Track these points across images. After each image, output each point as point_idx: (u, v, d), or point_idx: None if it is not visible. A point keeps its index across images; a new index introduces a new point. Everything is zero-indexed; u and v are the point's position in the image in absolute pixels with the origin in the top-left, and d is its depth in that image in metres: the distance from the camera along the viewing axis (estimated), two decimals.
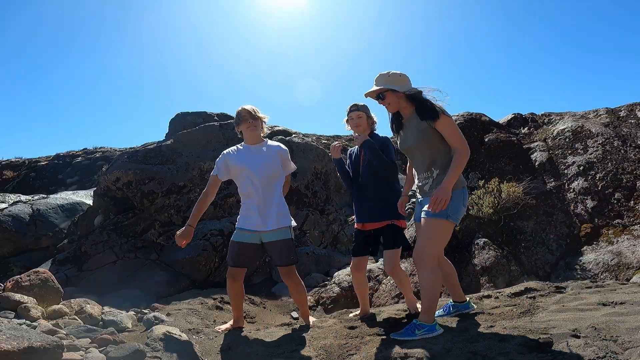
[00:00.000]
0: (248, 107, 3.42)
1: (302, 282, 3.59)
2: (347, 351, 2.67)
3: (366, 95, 2.88)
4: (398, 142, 2.99)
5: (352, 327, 3.26)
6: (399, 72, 2.82)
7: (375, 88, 2.81)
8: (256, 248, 3.43)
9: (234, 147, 3.53)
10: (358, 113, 3.47)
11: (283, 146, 3.57)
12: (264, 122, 3.48)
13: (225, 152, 3.52)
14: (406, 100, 2.79)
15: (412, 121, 2.80)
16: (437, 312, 3.10)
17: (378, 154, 3.30)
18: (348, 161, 3.71)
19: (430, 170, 2.76)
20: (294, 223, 3.46)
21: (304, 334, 3.20)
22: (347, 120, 3.54)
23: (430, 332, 2.64)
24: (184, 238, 3.38)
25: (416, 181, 2.95)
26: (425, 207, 2.72)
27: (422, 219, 2.74)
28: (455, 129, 2.69)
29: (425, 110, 2.70)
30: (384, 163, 3.30)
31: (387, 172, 3.36)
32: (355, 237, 3.60)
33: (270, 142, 3.56)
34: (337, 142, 3.61)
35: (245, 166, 3.38)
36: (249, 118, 3.37)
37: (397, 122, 2.94)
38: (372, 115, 3.54)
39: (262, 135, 3.50)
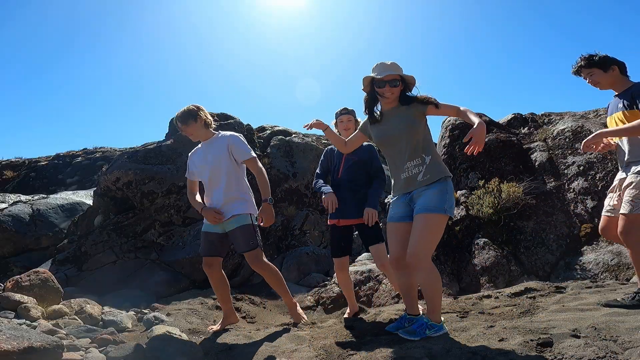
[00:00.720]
0: (177, 114, 3.50)
1: (275, 267, 3.60)
2: (347, 351, 2.67)
3: (384, 76, 2.75)
4: (375, 133, 2.91)
5: (352, 327, 3.26)
6: None
7: (400, 72, 2.77)
8: (221, 237, 3.53)
9: (196, 147, 3.72)
10: (348, 116, 3.65)
11: (234, 134, 3.61)
12: (200, 115, 3.49)
13: (190, 153, 3.71)
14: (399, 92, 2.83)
15: (396, 111, 2.81)
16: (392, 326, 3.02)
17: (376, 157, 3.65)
18: (323, 158, 3.84)
19: (421, 157, 2.70)
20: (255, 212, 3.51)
21: (304, 334, 3.20)
22: (336, 124, 3.71)
23: (439, 331, 2.66)
24: (214, 215, 3.45)
25: (398, 175, 2.80)
26: (419, 204, 2.63)
27: (417, 216, 2.62)
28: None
29: (416, 98, 2.78)
30: (377, 168, 3.61)
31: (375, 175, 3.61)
32: (332, 237, 3.70)
33: (223, 133, 3.62)
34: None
35: (198, 162, 3.58)
36: (182, 128, 3.51)
37: (374, 113, 2.91)
38: (359, 119, 3.67)
39: (210, 127, 3.58)
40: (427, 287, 2.64)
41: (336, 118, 3.71)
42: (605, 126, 3.22)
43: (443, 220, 2.61)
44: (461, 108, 2.66)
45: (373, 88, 2.83)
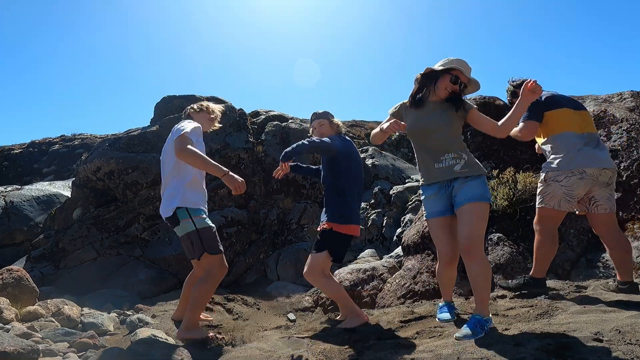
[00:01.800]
0: None
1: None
2: (348, 356, 2.67)
3: (459, 77, 2.96)
4: (411, 121, 3.03)
5: (353, 330, 3.26)
6: None
7: (471, 77, 2.98)
8: None
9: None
10: (319, 121, 3.84)
11: None
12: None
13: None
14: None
15: (439, 106, 2.99)
16: (443, 316, 3.17)
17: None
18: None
19: (457, 152, 2.92)
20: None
21: (302, 338, 3.20)
22: (312, 130, 3.89)
23: (489, 323, 2.76)
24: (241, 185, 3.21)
25: (432, 165, 2.98)
26: (464, 194, 2.82)
27: (465, 205, 2.80)
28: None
29: (464, 103, 2.99)
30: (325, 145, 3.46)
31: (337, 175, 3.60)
32: None
33: None
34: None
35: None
36: None
37: (419, 99, 3.05)
38: (336, 120, 3.86)
39: None
40: (482, 276, 2.74)
41: (310, 123, 3.95)
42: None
43: (488, 208, 2.86)
44: (499, 123, 2.84)
45: (432, 78, 3.00)
